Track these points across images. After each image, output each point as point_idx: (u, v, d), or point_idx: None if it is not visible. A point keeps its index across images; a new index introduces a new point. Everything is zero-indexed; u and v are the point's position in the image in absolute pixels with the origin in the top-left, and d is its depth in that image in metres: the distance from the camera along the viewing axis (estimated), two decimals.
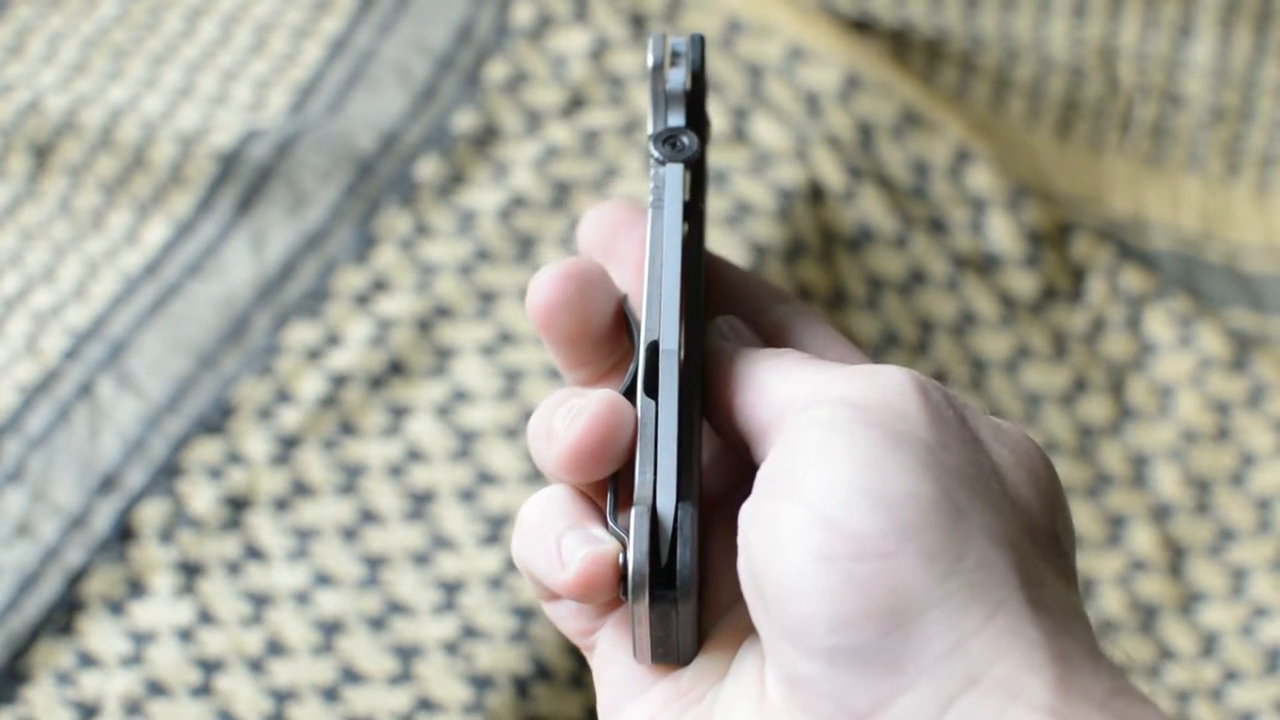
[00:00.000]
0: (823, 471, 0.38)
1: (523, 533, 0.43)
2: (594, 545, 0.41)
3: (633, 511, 0.41)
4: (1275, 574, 0.71)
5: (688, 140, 0.47)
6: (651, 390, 0.43)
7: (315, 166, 0.75)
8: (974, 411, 0.41)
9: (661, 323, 0.44)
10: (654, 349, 0.43)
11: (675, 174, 0.46)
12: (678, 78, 0.47)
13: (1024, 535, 0.38)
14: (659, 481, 0.42)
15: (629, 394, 0.43)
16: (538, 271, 0.45)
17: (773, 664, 0.39)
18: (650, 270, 0.45)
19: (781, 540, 0.38)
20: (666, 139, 0.47)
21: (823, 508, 0.38)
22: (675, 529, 0.41)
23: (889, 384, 0.40)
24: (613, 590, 0.41)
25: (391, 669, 0.64)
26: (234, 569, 0.66)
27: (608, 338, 0.45)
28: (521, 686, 0.64)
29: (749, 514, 0.40)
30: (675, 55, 0.48)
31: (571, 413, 0.42)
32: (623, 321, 0.46)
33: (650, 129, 0.47)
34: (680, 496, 0.42)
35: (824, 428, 0.39)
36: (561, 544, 0.42)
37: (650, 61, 0.47)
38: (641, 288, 0.45)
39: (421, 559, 0.66)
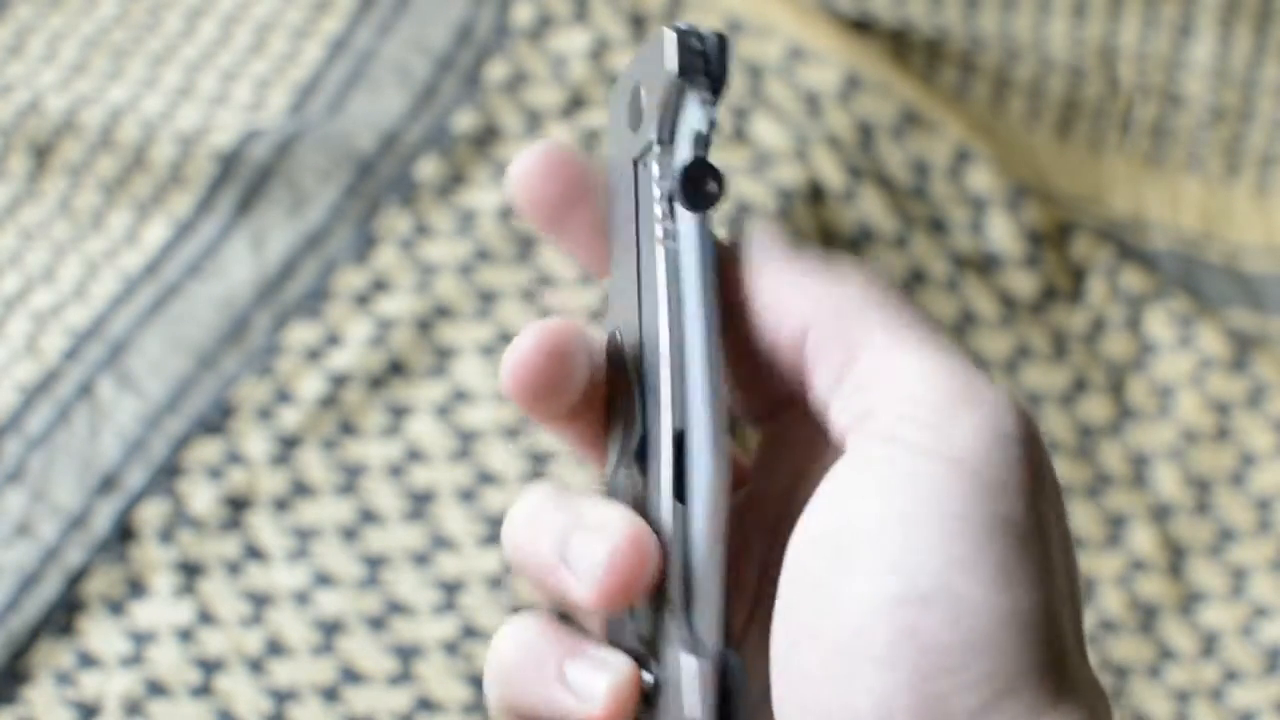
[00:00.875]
0: (912, 551, 0.36)
1: (505, 673, 0.40)
2: (610, 673, 0.39)
3: (681, 665, 0.38)
4: (1275, 574, 0.71)
5: (716, 187, 0.38)
6: (680, 492, 0.38)
7: (315, 166, 0.75)
8: (1050, 463, 0.38)
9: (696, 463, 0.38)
10: (680, 441, 0.38)
11: (697, 231, 0.38)
12: (697, 117, 0.39)
13: (1072, 618, 0.37)
14: (700, 628, 0.38)
15: (638, 453, 0.40)
16: (510, 351, 0.40)
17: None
18: (670, 336, 0.38)
19: (849, 615, 0.36)
20: (692, 177, 0.38)
21: (903, 600, 0.35)
22: (732, 701, 0.38)
23: (999, 437, 0.37)
24: (637, 707, 0.39)
25: (391, 669, 0.64)
26: (234, 569, 0.66)
27: (587, 392, 0.41)
28: None
29: (810, 552, 0.37)
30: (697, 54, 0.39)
31: (588, 551, 0.39)
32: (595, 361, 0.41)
33: (654, 134, 0.39)
34: (725, 641, 0.38)
35: (917, 493, 0.36)
36: (569, 678, 0.39)
37: (675, 65, 0.38)
38: (660, 346, 0.39)
39: (421, 559, 0.66)
